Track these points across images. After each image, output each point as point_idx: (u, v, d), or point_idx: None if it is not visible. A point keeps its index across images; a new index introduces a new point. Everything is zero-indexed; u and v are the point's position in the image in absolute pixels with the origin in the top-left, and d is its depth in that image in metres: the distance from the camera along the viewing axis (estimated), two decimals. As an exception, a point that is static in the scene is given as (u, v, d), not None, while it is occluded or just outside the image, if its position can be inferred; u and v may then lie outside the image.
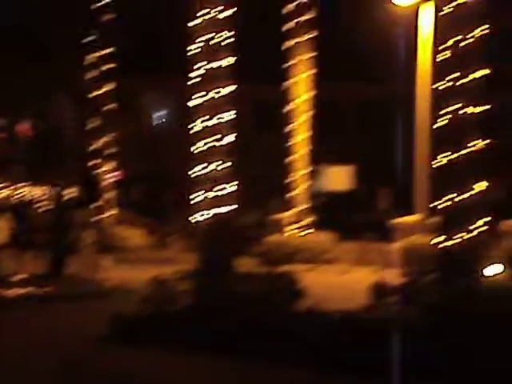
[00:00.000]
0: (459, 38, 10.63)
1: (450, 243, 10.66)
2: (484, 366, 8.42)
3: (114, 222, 22.43)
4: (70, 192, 20.64)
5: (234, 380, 9.11)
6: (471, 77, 10.63)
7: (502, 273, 12.49)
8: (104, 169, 22.56)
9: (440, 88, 10.85)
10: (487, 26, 10.75)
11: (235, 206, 12.03)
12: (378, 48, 27.73)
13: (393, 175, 28.28)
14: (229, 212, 11.95)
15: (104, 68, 22.45)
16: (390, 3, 18.43)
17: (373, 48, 27.89)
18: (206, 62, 11.99)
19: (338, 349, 9.04)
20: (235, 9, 12.07)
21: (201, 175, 11.98)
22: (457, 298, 9.61)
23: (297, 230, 20.20)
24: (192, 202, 12.09)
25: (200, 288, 11.22)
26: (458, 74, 10.62)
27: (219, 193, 11.92)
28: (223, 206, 11.93)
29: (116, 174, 22.96)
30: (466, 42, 10.62)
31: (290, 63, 20.34)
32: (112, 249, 20.13)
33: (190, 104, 12.10)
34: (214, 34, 11.98)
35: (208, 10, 11.96)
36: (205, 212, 11.92)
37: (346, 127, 33.77)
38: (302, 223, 20.27)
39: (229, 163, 12.02)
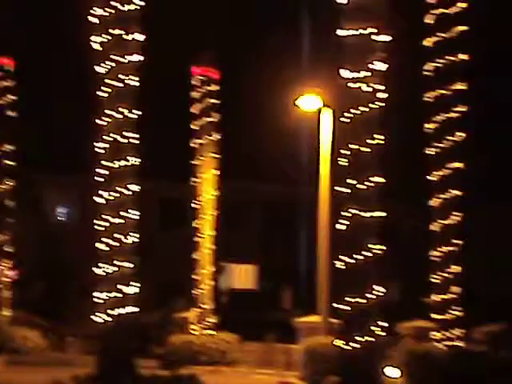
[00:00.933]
0: (356, 145, 11.06)
1: (350, 345, 10.75)
2: None
3: (9, 322, 21.60)
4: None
5: None
6: (368, 184, 11.01)
7: (400, 377, 12.65)
8: (0, 267, 21.92)
9: (339, 192, 11.17)
10: (382, 135, 11.21)
11: (137, 307, 11.82)
12: (283, 150, 28.47)
13: (296, 275, 28.59)
14: (131, 312, 11.72)
15: (5, 164, 22.16)
16: (294, 107, 18.97)
17: (278, 150, 28.58)
18: (111, 161, 12.02)
19: None
20: (141, 111, 12.25)
21: (103, 274, 11.78)
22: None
23: (200, 330, 19.95)
24: (93, 302, 11.82)
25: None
26: (355, 180, 10.99)
27: (121, 293, 11.71)
28: (125, 306, 11.72)
29: (12, 273, 22.31)
30: (363, 149, 11.04)
31: (195, 162, 20.57)
32: (6, 350, 19.34)
33: (95, 201, 12.01)
34: (120, 133, 12.07)
35: (115, 110, 12.08)
36: (106, 312, 11.67)
37: (250, 226, 34.08)
38: (206, 323, 20.05)
39: (132, 262, 11.88)
